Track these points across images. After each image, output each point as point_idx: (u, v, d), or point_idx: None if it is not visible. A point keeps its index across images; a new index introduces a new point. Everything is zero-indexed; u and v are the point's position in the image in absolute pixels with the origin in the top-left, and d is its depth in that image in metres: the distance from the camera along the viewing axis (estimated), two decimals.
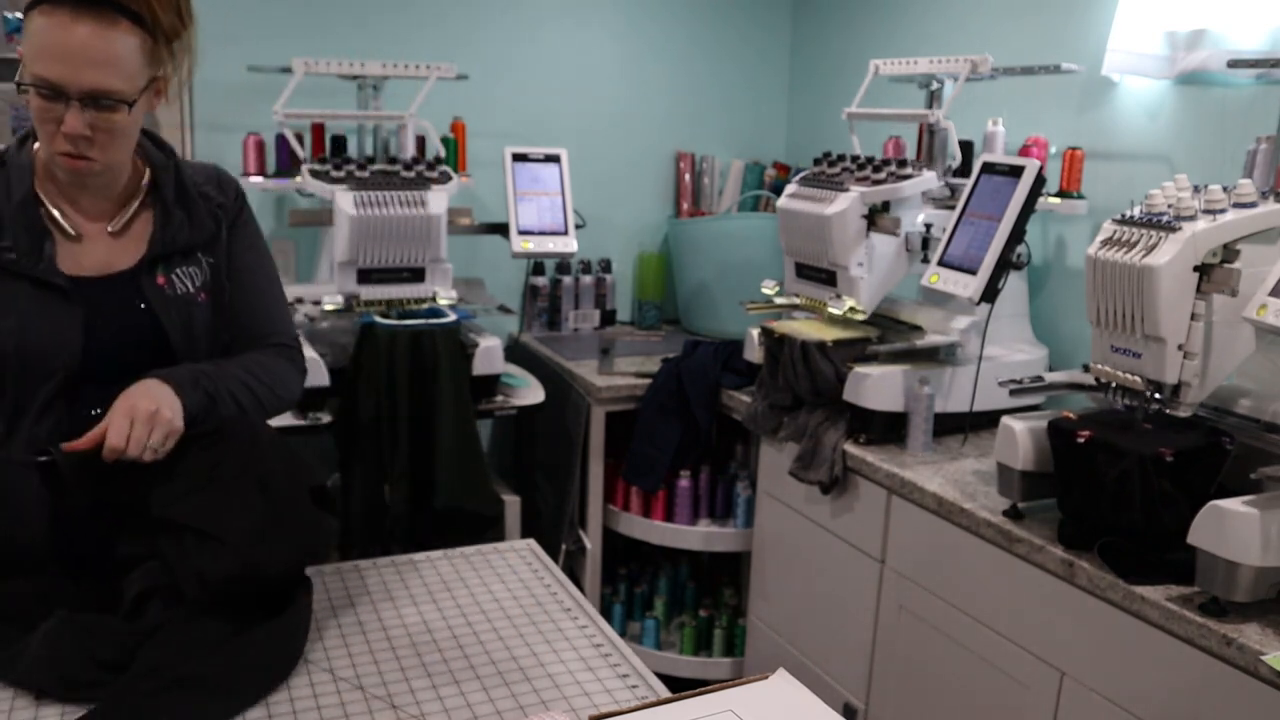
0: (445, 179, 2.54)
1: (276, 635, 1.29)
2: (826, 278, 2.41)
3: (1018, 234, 2.08)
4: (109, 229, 1.41)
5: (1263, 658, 1.39)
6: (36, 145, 1.39)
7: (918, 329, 2.37)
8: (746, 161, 3.45)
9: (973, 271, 2.08)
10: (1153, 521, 1.58)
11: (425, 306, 2.52)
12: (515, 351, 3.13)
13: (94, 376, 1.36)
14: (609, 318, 3.37)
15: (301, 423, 2.35)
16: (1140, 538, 1.61)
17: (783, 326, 2.40)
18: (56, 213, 1.38)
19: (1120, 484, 1.59)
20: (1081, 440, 1.66)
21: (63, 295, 1.34)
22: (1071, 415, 1.75)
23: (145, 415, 1.27)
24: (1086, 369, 1.79)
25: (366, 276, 2.48)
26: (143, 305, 1.40)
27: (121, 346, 1.38)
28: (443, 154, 2.73)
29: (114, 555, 1.33)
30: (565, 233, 2.72)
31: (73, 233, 1.39)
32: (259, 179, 2.77)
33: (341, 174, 2.44)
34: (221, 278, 1.48)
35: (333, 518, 1.45)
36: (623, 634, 2.84)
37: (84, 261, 1.39)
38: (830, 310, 2.39)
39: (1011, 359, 2.32)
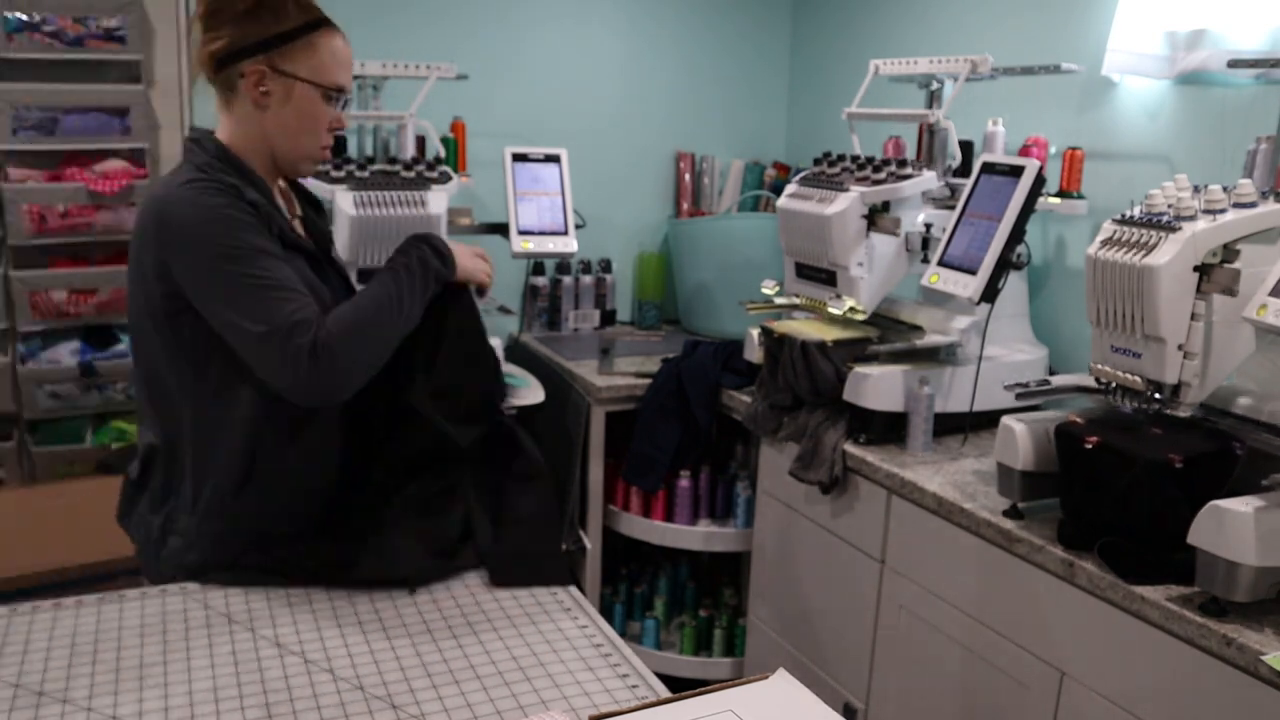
0: (445, 179, 2.54)
1: None
2: (826, 278, 2.41)
3: (1018, 234, 2.08)
4: (295, 215, 1.70)
5: (1263, 658, 1.39)
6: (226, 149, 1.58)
7: (918, 329, 2.37)
8: (746, 161, 3.45)
9: (973, 271, 2.07)
10: (1160, 527, 1.58)
11: None
12: (515, 351, 3.13)
13: None
14: (609, 318, 3.37)
15: None
16: (1144, 540, 1.61)
17: (783, 326, 2.40)
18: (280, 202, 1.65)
19: (1130, 491, 1.59)
20: (1089, 446, 1.66)
21: (320, 262, 1.63)
22: (1077, 418, 1.74)
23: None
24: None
25: (367, 277, 2.47)
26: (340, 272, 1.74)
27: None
28: (443, 154, 2.73)
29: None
30: (565, 233, 2.72)
31: (286, 214, 1.62)
32: None
33: (341, 174, 2.44)
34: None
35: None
36: (623, 634, 2.84)
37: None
38: (830, 310, 2.39)
39: (1012, 359, 2.32)
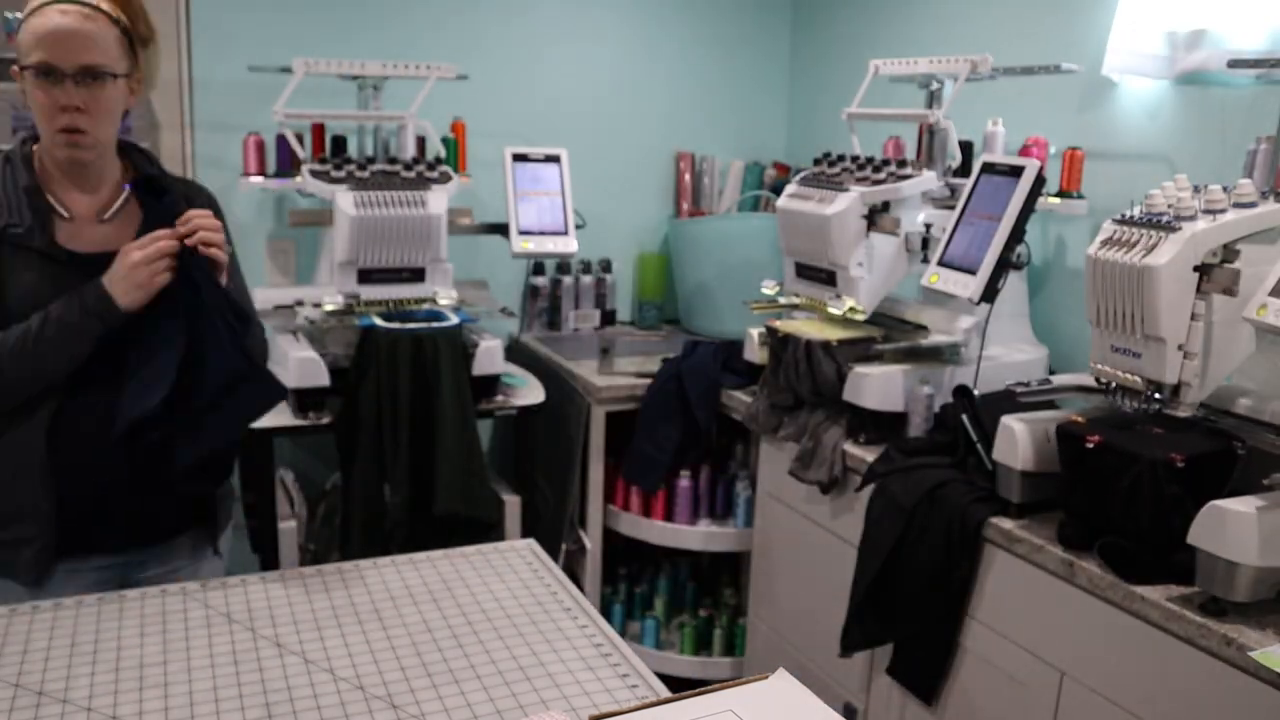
0: (445, 179, 2.54)
1: None
2: (826, 278, 2.41)
3: (1018, 234, 2.08)
4: (103, 216, 1.64)
5: (1251, 653, 1.39)
6: (36, 146, 1.63)
7: (921, 328, 2.37)
8: (746, 161, 3.45)
9: (973, 271, 2.08)
10: (1160, 526, 1.58)
11: (425, 308, 2.52)
12: (515, 351, 3.13)
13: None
14: (609, 318, 3.37)
15: (303, 423, 2.35)
16: (1145, 540, 1.61)
17: (787, 325, 2.40)
18: (53, 200, 1.61)
19: (1131, 490, 1.59)
20: (1091, 445, 1.66)
21: (64, 266, 1.57)
22: (1078, 418, 1.75)
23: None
24: None
25: (367, 277, 2.48)
26: None
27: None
28: (443, 154, 2.73)
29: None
30: (565, 233, 2.72)
31: (68, 215, 1.61)
32: (259, 179, 2.76)
33: (342, 174, 2.44)
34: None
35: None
36: (623, 634, 2.83)
37: (83, 239, 1.61)
38: (830, 310, 2.39)
39: (1011, 359, 2.32)
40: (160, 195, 1.64)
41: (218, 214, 1.70)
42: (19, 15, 2.57)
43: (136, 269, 1.52)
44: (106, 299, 1.52)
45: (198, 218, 1.55)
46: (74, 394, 1.57)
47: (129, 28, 1.59)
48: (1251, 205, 1.58)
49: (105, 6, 1.55)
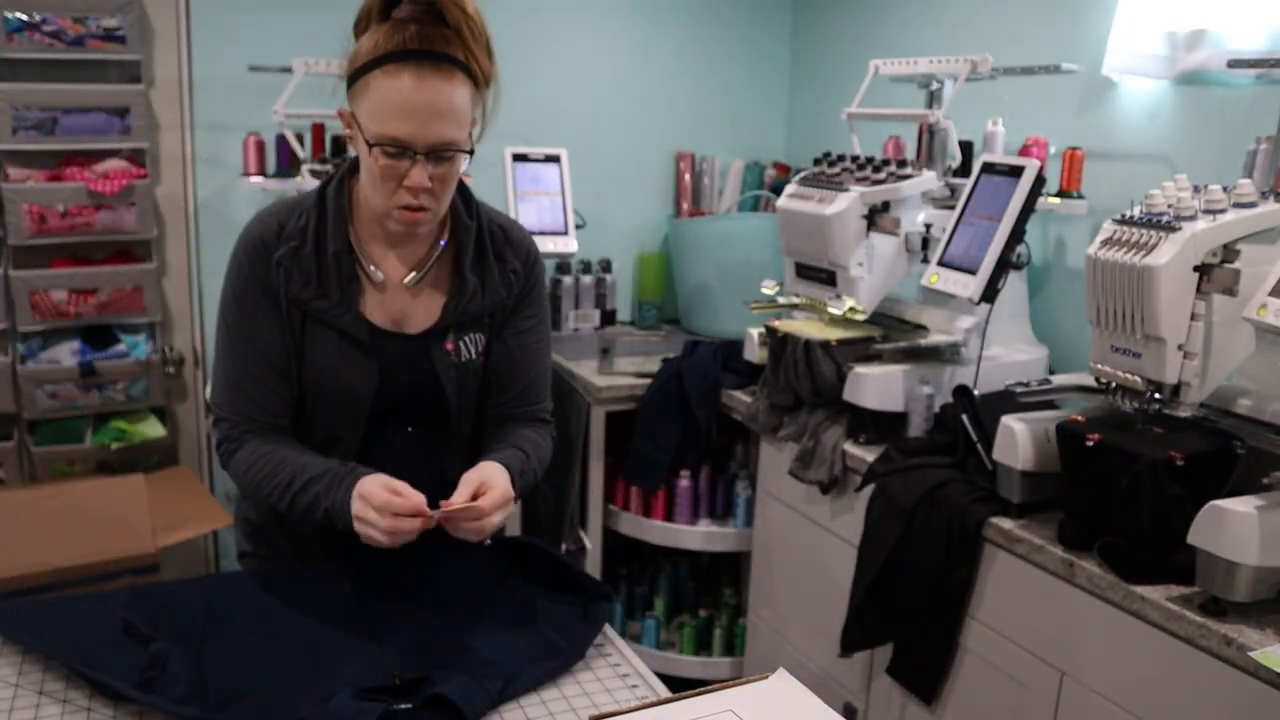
0: None
1: None
2: (826, 278, 2.41)
3: (1018, 234, 2.08)
4: (405, 283, 1.46)
5: (1251, 653, 1.39)
6: (354, 187, 1.46)
7: (922, 328, 2.37)
8: (746, 161, 3.45)
9: (973, 271, 2.08)
10: (1161, 525, 1.58)
11: None
12: None
13: (385, 415, 1.48)
14: (609, 318, 3.37)
15: None
16: (1145, 540, 1.61)
17: (786, 325, 2.40)
18: (366, 261, 1.45)
19: (1131, 489, 1.59)
20: (1091, 444, 1.66)
21: (364, 349, 1.44)
22: (1078, 417, 1.75)
23: (505, 503, 1.37)
24: None
25: None
26: (428, 365, 1.47)
27: (409, 396, 1.48)
28: None
29: None
30: (565, 233, 2.72)
31: (379, 278, 1.45)
32: (259, 179, 2.77)
33: None
34: (496, 340, 1.53)
35: None
36: (623, 634, 2.84)
37: (384, 311, 1.46)
38: (830, 310, 2.39)
39: (1011, 359, 2.32)
40: (480, 254, 1.48)
41: (529, 273, 1.53)
42: (19, 15, 2.59)
43: (374, 531, 1.31)
44: (346, 518, 1.34)
45: (465, 517, 1.33)
46: None
47: (479, 74, 1.36)
48: (1251, 205, 1.58)
49: (461, 54, 1.32)
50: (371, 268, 1.45)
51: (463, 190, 1.50)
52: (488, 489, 1.34)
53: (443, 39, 1.32)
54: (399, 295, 1.47)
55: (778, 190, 2.92)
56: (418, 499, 1.31)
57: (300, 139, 2.72)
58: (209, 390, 1.47)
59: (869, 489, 2.10)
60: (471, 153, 1.38)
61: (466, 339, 1.49)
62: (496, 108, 1.44)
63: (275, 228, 1.43)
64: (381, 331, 1.46)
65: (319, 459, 1.42)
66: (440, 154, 1.33)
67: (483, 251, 1.49)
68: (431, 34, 1.31)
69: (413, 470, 1.40)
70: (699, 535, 2.78)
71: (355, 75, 1.34)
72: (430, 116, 1.31)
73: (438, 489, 1.45)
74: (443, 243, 1.48)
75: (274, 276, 1.41)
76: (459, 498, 1.33)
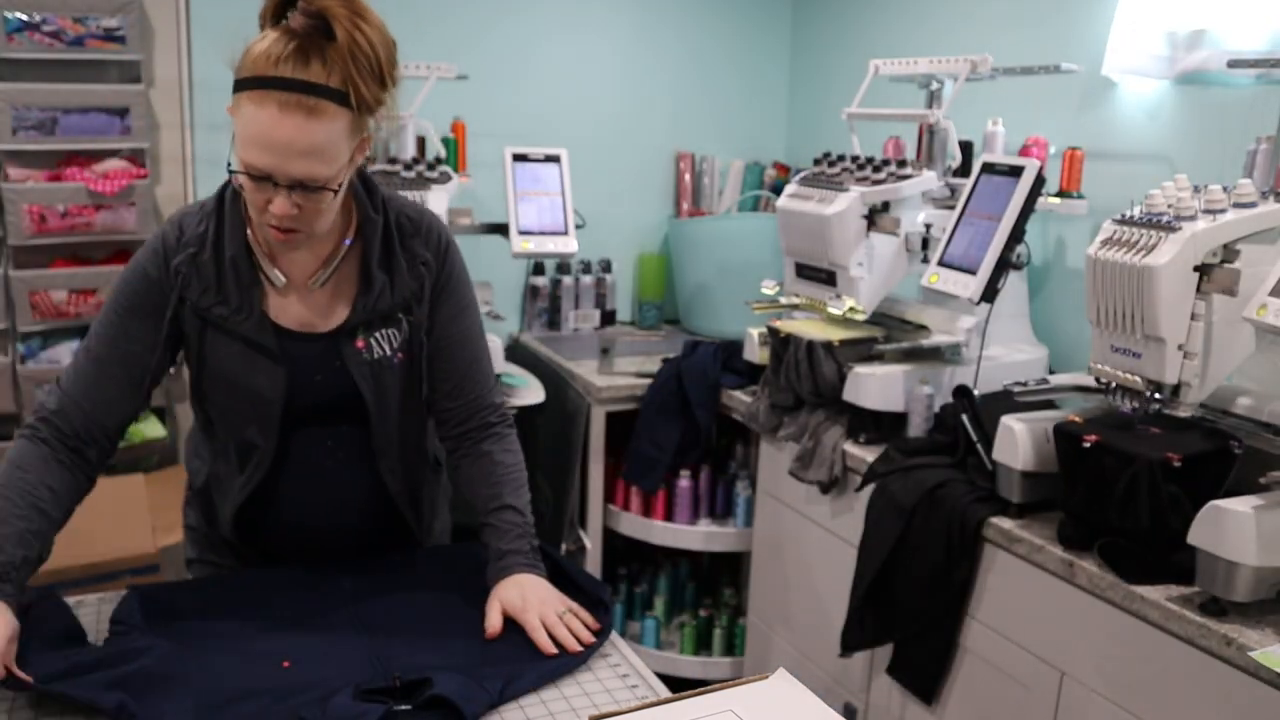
0: (445, 179, 2.54)
1: None
2: (826, 278, 2.41)
3: (1017, 234, 2.08)
4: (310, 283, 1.43)
5: (1251, 653, 1.39)
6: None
7: (923, 328, 2.37)
8: (746, 161, 3.45)
9: (972, 271, 2.07)
10: (1159, 525, 1.58)
11: None
12: (515, 351, 3.13)
13: (296, 422, 1.44)
14: (609, 318, 3.37)
15: None
16: (1144, 540, 1.61)
17: (788, 326, 2.40)
18: (266, 264, 1.41)
19: (1129, 489, 1.59)
20: (1088, 445, 1.66)
21: (268, 354, 1.40)
22: (1076, 418, 1.75)
23: (561, 611, 1.38)
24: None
25: None
26: (339, 364, 1.44)
27: (321, 398, 1.45)
28: (443, 154, 2.73)
29: None
30: (565, 233, 2.71)
31: (281, 282, 1.41)
32: None
33: None
34: (420, 335, 1.48)
35: None
36: (623, 634, 2.84)
37: (290, 313, 1.43)
38: (830, 310, 2.39)
39: (1011, 359, 2.32)
40: (387, 249, 1.43)
41: (442, 261, 1.48)
42: (19, 15, 2.59)
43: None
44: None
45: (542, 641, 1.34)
46: None
47: (359, 103, 1.29)
48: (1251, 205, 1.58)
49: (334, 82, 1.26)
50: (274, 271, 1.41)
51: (367, 183, 1.45)
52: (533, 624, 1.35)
53: (320, 62, 1.26)
54: (305, 296, 1.43)
55: (778, 190, 2.92)
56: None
57: None
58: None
59: (869, 489, 2.10)
60: (337, 191, 1.32)
61: (378, 335, 1.45)
62: (393, 121, 1.37)
63: (175, 234, 1.40)
64: (288, 333, 1.42)
65: (18, 528, 1.30)
66: (305, 186, 1.29)
67: (390, 246, 1.44)
68: (310, 56, 1.26)
69: (341, 476, 1.40)
70: (699, 535, 2.78)
71: (235, 86, 1.32)
72: (291, 154, 1.26)
73: (373, 496, 1.46)
74: (348, 241, 1.43)
75: (169, 284, 1.38)
76: (490, 626, 1.36)
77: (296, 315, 1.43)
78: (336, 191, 1.32)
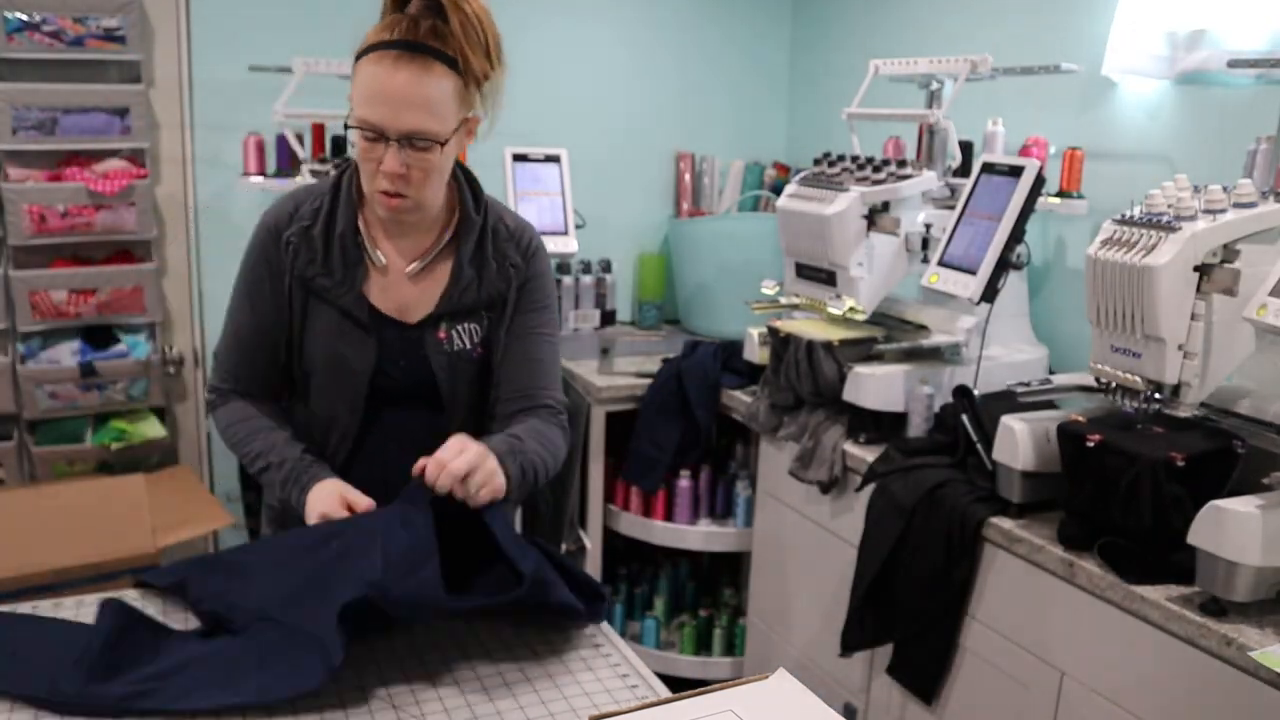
0: None
1: None
2: (826, 278, 2.41)
3: (1017, 234, 2.08)
4: (407, 271, 1.52)
5: (1251, 653, 1.39)
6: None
7: (922, 328, 2.37)
8: (746, 161, 3.45)
9: (973, 271, 2.08)
10: (1161, 525, 1.58)
11: None
12: None
13: (382, 399, 1.53)
14: (609, 318, 3.37)
15: None
16: (1145, 540, 1.61)
17: (788, 325, 2.40)
18: (371, 246, 1.51)
19: (1131, 489, 1.59)
20: (1091, 444, 1.66)
21: (363, 328, 1.50)
22: (1079, 418, 1.75)
23: (465, 453, 1.36)
24: None
25: None
26: (421, 352, 1.52)
27: (402, 383, 1.53)
28: None
29: None
30: (565, 233, 2.72)
31: (383, 262, 1.51)
32: (259, 179, 2.76)
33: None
34: (499, 332, 1.55)
35: None
36: (623, 634, 2.84)
37: (385, 297, 1.52)
38: (830, 310, 2.39)
39: (1011, 359, 2.32)
40: (480, 249, 1.51)
41: (529, 265, 1.55)
42: (19, 15, 2.59)
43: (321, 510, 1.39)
44: (301, 513, 1.42)
45: (437, 470, 1.34)
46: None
47: (466, 70, 1.39)
48: (1251, 205, 1.58)
49: (451, 50, 1.37)
50: (378, 252, 1.50)
51: (474, 186, 1.56)
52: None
53: (434, 33, 1.37)
54: (402, 283, 1.52)
55: (778, 190, 2.92)
56: (367, 505, 1.38)
57: (300, 139, 2.72)
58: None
59: (869, 489, 2.10)
60: (445, 145, 1.40)
61: (460, 328, 1.53)
62: (497, 109, 1.49)
63: (291, 209, 1.51)
64: (381, 315, 1.51)
65: (286, 444, 1.50)
66: (414, 141, 1.37)
67: (483, 247, 1.53)
68: (424, 27, 1.37)
69: (408, 458, 1.41)
70: (699, 535, 2.78)
71: (356, 58, 1.41)
72: (402, 104, 1.35)
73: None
74: (448, 236, 1.53)
75: (282, 255, 1.48)
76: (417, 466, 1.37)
77: (391, 300, 1.51)
78: (444, 147, 1.39)
